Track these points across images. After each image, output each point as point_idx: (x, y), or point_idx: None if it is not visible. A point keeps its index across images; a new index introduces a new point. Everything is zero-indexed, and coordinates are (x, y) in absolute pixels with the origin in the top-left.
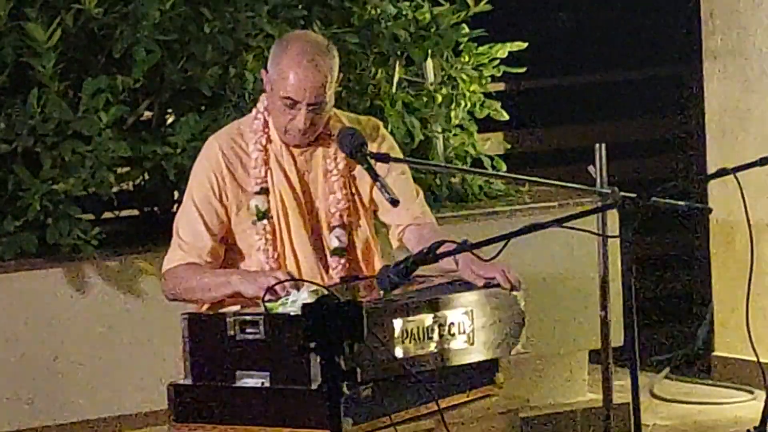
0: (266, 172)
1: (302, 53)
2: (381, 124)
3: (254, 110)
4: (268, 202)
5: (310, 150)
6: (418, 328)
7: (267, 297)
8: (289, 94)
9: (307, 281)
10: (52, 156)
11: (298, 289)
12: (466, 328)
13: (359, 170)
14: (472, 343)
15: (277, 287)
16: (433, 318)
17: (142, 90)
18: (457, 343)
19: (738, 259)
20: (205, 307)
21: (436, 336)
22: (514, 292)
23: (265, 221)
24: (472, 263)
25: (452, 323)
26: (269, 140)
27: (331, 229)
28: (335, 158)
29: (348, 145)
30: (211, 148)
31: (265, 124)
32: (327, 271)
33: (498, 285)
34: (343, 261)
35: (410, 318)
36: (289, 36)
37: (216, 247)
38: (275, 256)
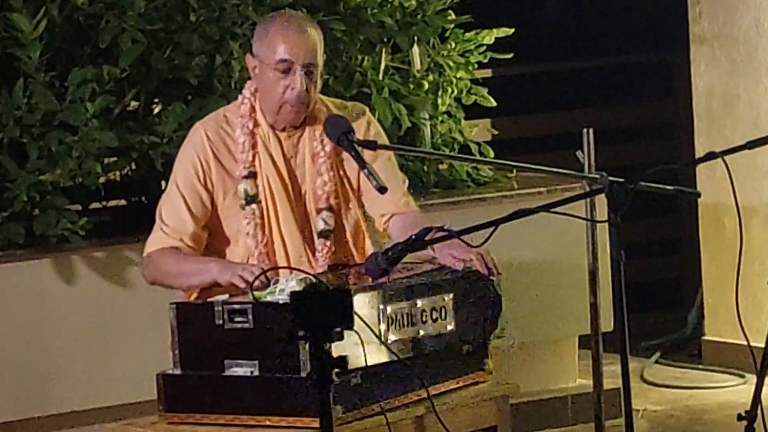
0: (254, 156)
1: (289, 21)
2: (367, 109)
3: (240, 96)
4: (256, 186)
5: (297, 134)
6: (406, 314)
7: (254, 286)
8: (283, 56)
9: (291, 268)
10: (39, 147)
11: (287, 278)
12: (446, 314)
13: (347, 154)
14: (452, 328)
15: (258, 279)
16: (413, 304)
17: (129, 80)
18: (437, 329)
19: (727, 243)
20: (194, 296)
21: (420, 323)
22: (492, 277)
23: (253, 205)
24: (450, 248)
25: (436, 309)
26: (256, 124)
27: (318, 211)
28: (322, 141)
29: (335, 132)
30: (197, 133)
31: (252, 109)
32: (314, 255)
33: (476, 270)
34: (329, 243)
35: (396, 304)
36: (270, 15)
37: (198, 232)
38: (263, 241)
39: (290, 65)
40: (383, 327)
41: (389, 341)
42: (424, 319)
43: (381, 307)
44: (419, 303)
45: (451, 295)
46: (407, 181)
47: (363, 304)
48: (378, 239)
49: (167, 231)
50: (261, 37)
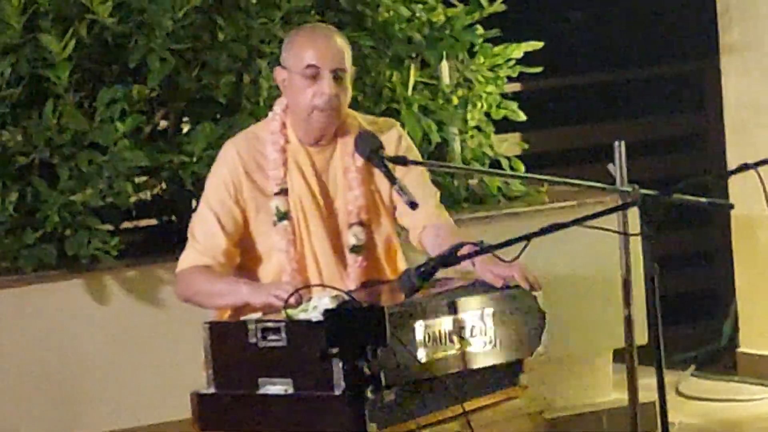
0: (285, 173)
1: (314, 29)
2: (398, 124)
3: (270, 113)
4: (288, 202)
5: (328, 149)
6: (439, 331)
7: (287, 304)
8: (311, 61)
9: (323, 286)
10: (69, 167)
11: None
12: (487, 330)
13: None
14: (493, 345)
15: (292, 298)
16: (453, 320)
17: (158, 99)
18: (477, 346)
19: (760, 254)
20: (227, 314)
21: (456, 339)
22: (534, 292)
23: (285, 222)
24: (489, 264)
25: (473, 326)
26: (287, 141)
27: (349, 226)
28: (353, 156)
29: (365, 149)
30: (228, 152)
31: (283, 125)
32: (346, 270)
33: (517, 285)
34: (360, 259)
35: (431, 321)
36: (296, 28)
37: (231, 250)
38: (296, 257)
39: (318, 71)
40: (419, 344)
41: (424, 358)
42: (462, 335)
43: (417, 323)
44: (457, 319)
45: (492, 311)
46: (439, 194)
47: (397, 320)
48: (413, 253)
49: (199, 249)
50: (288, 47)
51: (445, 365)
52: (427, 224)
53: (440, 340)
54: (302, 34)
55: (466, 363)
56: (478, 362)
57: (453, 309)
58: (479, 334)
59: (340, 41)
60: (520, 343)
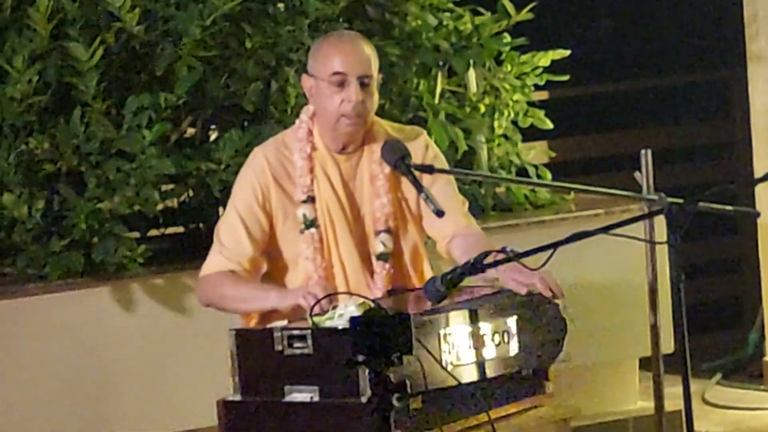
0: (312, 181)
1: (341, 36)
2: (425, 132)
3: (297, 121)
4: (315, 210)
5: (355, 156)
6: (467, 338)
7: (314, 311)
8: (337, 68)
9: (350, 293)
10: (97, 175)
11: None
12: (511, 338)
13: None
14: (517, 353)
15: (322, 302)
16: (479, 328)
17: (185, 107)
18: (501, 353)
19: None
20: (253, 321)
21: (484, 346)
22: (556, 300)
23: (312, 229)
24: (512, 271)
25: (497, 333)
26: (314, 148)
27: (376, 234)
28: (381, 163)
29: (392, 157)
30: (257, 158)
31: (309, 132)
32: (373, 278)
33: (540, 293)
34: (387, 266)
35: (457, 328)
36: (323, 35)
37: (256, 256)
38: (323, 265)
39: (345, 78)
40: (444, 351)
41: (450, 365)
42: (486, 342)
43: (442, 331)
44: (482, 326)
45: (515, 318)
46: (467, 203)
47: (423, 328)
48: (439, 261)
49: (225, 254)
50: (315, 54)
51: (470, 373)
52: (455, 234)
53: (466, 348)
54: (329, 41)
55: (491, 370)
56: (502, 369)
57: (478, 317)
58: (503, 341)
59: (367, 48)
60: (543, 350)
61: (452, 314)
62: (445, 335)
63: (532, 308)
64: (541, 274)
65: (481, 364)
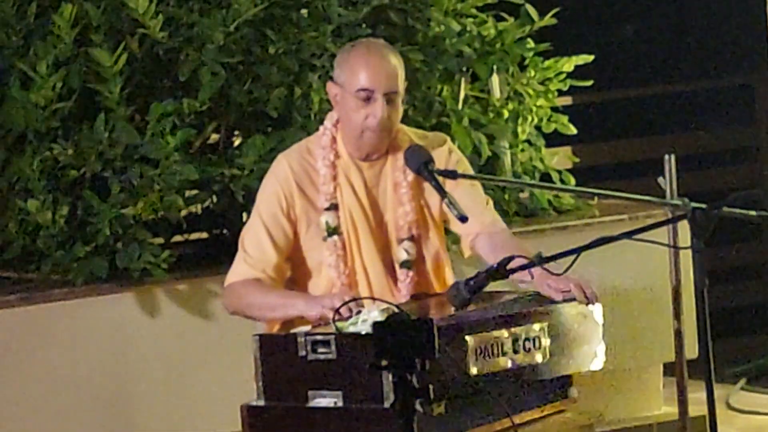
0: (335, 188)
1: (369, 49)
2: (448, 138)
3: (321, 128)
4: (338, 217)
5: (378, 164)
6: (492, 344)
7: (336, 317)
8: (364, 84)
9: (373, 299)
10: (121, 181)
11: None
12: (543, 343)
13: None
14: (549, 359)
15: (343, 308)
16: (505, 333)
17: (209, 113)
18: (533, 359)
19: None
20: (276, 327)
21: (511, 352)
22: (591, 306)
23: (335, 237)
24: (548, 277)
25: (527, 339)
26: (337, 156)
27: (399, 241)
28: (404, 171)
29: (415, 162)
30: (280, 165)
31: (333, 140)
32: (396, 285)
33: (574, 299)
34: (411, 274)
35: (481, 334)
36: (351, 43)
37: (281, 264)
38: (346, 272)
39: (371, 94)
40: (468, 356)
41: (473, 370)
42: (515, 348)
43: (466, 336)
44: (509, 332)
45: (546, 324)
46: (491, 202)
47: (447, 333)
48: (463, 266)
49: (250, 262)
50: (342, 64)
51: (494, 378)
52: (480, 231)
53: (490, 353)
54: (356, 53)
55: (520, 376)
56: (533, 376)
57: (504, 322)
58: (532, 347)
59: (394, 61)
60: (577, 357)
61: (477, 319)
62: (469, 340)
63: (566, 314)
64: (576, 280)
65: (507, 371)
